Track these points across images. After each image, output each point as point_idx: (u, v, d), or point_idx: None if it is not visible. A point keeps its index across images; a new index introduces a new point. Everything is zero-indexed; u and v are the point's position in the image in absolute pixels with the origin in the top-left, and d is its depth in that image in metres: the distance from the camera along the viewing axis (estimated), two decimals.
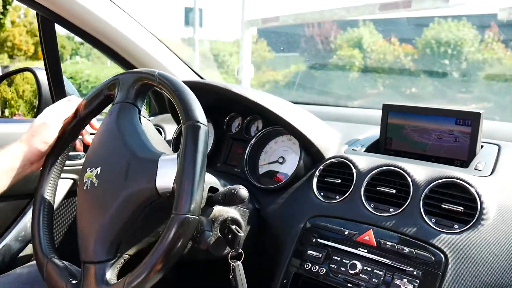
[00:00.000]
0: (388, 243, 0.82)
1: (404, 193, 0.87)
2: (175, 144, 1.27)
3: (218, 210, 0.86)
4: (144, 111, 0.81)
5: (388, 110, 1.04)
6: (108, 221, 0.71)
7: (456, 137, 0.96)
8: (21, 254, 1.16)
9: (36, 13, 1.18)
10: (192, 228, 0.65)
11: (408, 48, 8.75)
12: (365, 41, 9.19)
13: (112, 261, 0.71)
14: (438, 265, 0.77)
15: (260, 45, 11.21)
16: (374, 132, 1.11)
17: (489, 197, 0.81)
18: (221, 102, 1.20)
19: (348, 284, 0.83)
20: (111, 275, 0.70)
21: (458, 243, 0.78)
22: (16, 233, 1.14)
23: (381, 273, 0.80)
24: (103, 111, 0.89)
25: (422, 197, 0.85)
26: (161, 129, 1.40)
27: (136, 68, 1.31)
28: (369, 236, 0.85)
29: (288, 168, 1.08)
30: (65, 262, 0.79)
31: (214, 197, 0.82)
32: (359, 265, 0.83)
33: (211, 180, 0.86)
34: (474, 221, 0.79)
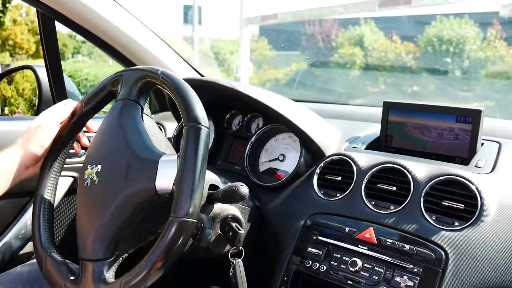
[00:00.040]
0: (388, 240, 0.82)
1: (404, 190, 0.87)
2: (175, 142, 1.27)
3: (219, 208, 0.86)
4: (146, 109, 0.81)
5: (388, 107, 1.04)
6: (107, 220, 0.71)
7: (457, 134, 0.96)
8: (21, 252, 1.16)
9: (37, 10, 1.19)
10: (190, 231, 0.65)
11: (410, 46, 8.72)
12: (367, 39, 9.17)
13: (110, 260, 0.71)
14: (439, 262, 0.77)
15: (261, 43, 11.20)
16: (374, 130, 1.11)
17: (489, 195, 0.81)
18: (221, 100, 1.20)
19: (349, 282, 0.83)
20: (108, 273, 0.71)
21: (459, 240, 0.78)
22: (16, 231, 1.14)
23: (382, 270, 0.81)
24: (102, 111, 0.89)
25: (423, 194, 0.85)
26: (161, 127, 1.40)
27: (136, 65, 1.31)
28: (369, 233, 0.85)
29: (288, 165, 1.07)
30: (64, 258, 0.79)
31: (214, 195, 0.82)
32: (359, 262, 0.83)
33: (211, 177, 0.86)
34: (474, 218, 0.79)
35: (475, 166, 0.89)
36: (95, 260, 0.71)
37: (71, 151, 0.91)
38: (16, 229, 1.14)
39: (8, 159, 0.82)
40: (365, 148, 1.04)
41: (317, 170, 0.99)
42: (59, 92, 1.27)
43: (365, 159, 0.95)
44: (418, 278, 0.77)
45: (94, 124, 1.18)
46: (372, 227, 0.85)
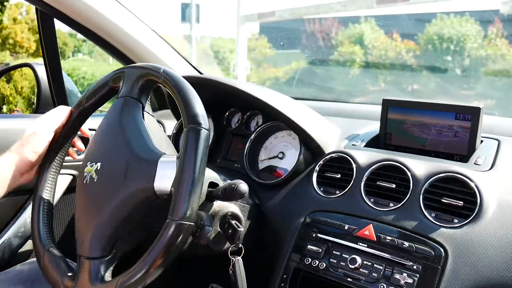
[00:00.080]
0: (388, 237, 0.82)
1: (404, 187, 0.87)
2: (174, 140, 1.27)
3: (218, 205, 0.86)
4: (148, 107, 0.80)
5: (388, 105, 1.04)
6: (105, 219, 0.72)
7: (456, 132, 0.96)
8: (20, 250, 1.16)
9: (36, 8, 1.18)
10: (187, 234, 0.65)
11: (410, 44, 8.70)
12: (367, 37, 9.15)
13: (108, 258, 0.72)
14: (438, 259, 0.77)
15: (260, 42, 11.18)
16: (374, 127, 1.11)
17: (488, 192, 0.81)
18: (221, 97, 1.20)
19: (348, 279, 0.83)
20: (105, 272, 0.71)
21: (458, 237, 0.78)
22: (15, 229, 1.14)
23: (381, 267, 0.81)
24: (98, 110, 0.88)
25: (422, 191, 0.85)
26: (160, 125, 1.40)
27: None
28: (369, 230, 0.85)
29: (288, 163, 1.08)
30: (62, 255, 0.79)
31: (214, 192, 0.82)
32: (359, 259, 0.83)
33: (211, 175, 0.86)
34: (473, 215, 0.79)
35: (474, 163, 0.89)
36: (92, 258, 0.71)
37: (66, 157, 0.90)
38: (15, 227, 1.14)
39: (3, 165, 0.81)
40: (365, 146, 1.04)
41: (317, 168, 0.99)
42: (58, 90, 1.27)
43: (364, 156, 0.95)
44: (418, 275, 0.77)
45: (94, 122, 1.18)
46: (371, 224, 0.85)
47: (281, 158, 1.09)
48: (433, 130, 0.99)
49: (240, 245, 0.84)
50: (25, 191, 1.14)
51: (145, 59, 1.32)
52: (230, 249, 0.85)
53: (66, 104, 1.29)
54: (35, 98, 1.38)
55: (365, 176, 0.92)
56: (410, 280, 0.77)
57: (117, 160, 0.74)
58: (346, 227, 0.87)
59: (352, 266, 0.83)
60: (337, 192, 0.94)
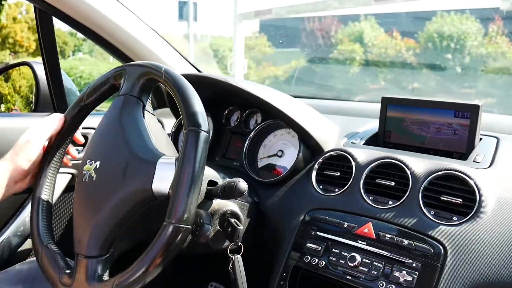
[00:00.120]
0: (387, 235, 0.82)
1: (403, 185, 0.87)
2: (173, 138, 1.27)
3: (218, 204, 0.86)
4: (148, 106, 0.80)
5: (387, 103, 1.04)
6: (103, 218, 0.72)
7: (455, 129, 0.96)
8: (20, 249, 1.16)
9: (34, 6, 1.18)
10: (183, 237, 0.65)
11: (410, 42, 8.69)
12: (366, 35, 9.14)
13: (105, 257, 0.72)
14: (437, 257, 0.77)
15: (260, 40, 11.16)
16: (373, 125, 1.11)
17: (487, 189, 0.81)
18: (220, 95, 1.20)
19: (348, 277, 0.83)
20: (102, 271, 0.71)
21: (457, 235, 0.78)
22: (15, 228, 1.14)
23: (380, 265, 0.81)
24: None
25: (421, 189, 0.85)
26: (160, 124, 1.40)
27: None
28: (368, 228, 0.85)
29: (287, 161, 1.07)
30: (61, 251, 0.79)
31: (213, 191, 0.82)
32: (358, 257, 0.83)
33: (210, 173, 0.86)
34: (473, 213, 0.79)
35: (474, 161, 0.89)
36: (90, 256, 0.71)
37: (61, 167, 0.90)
38: (14, 226, 1.14)
39: None
40: (364, 144, 1.04)
41: (316, 166, 0.99)
42: (56, 89, 1.27)
43: (363, 154, 0.95)
44: (417, 273, 0.77)
45: (94, 121, 1.18)
46: (370, 222, 0.85)
47: (280, 156, 1.09)
48: (432, 128, 0.99)
49: (240, 243, 0.84)
50: (24, 190, 1.14)
51: (144, 57, 1.32)
52: (229, 247, 0.85)
53: (65, 102, 1.29)
54: (34, 97, 1.37)
55: (364, 174, 0.92)
56: (409, 278, 0.77)
57: (116, 160, 0.73)
58: (345, 225, 0.87)
59: (352, 264, 0.83)
60: (337, 190, 0.94)
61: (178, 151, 0.86)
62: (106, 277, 0.71)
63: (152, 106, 1.52)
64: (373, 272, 0.81)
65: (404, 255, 0.79)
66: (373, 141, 1.06)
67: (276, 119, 1.09)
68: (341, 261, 0.84)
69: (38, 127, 0.84)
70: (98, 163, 0.75)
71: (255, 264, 0.91)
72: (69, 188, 1.22)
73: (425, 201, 0.84)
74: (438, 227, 0.79)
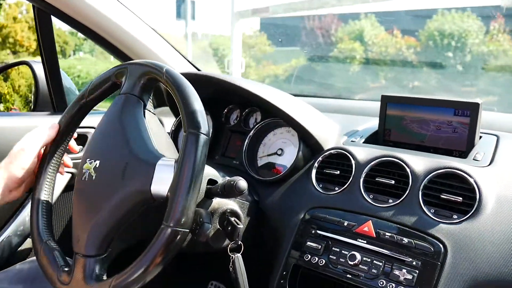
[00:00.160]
0: (387, 233, 0.82)
1: (403, 183, 0.87)
2: (173, 136, 1.27)
3: (217, 202, 0.86)
4: (150, 105, 0.80)
5: (386, 101, 1.04)
6: (102, 218, 0.72)
7: (455, 127, 0.96)
8: (20, 248, 1.16)
9: (33, 5, 1.18)
10: (180, 241, 0.65)
11: (411, 41, 8.67)
12: (367, 33, 9.11)
13: (103, 256, 0.72)
14: (437, 255, 0.77)
15: (260, 39, 11.14)
16: (372, 124, 1.11)
17: (487, 187, 0.81)
18: (219, 94, 1.20)
19: (348, 275, 0.83)
20: (100, 270, 0.71)
21: (457, 233, 0.77)
22: (15, 228, 1.14)
23: (381, 263, 0.80)
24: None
25: (421, 187, 0.85)
26: (161, 124, 1.39)
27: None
28: (368, 227, 0.85)
29: (287, 160, 1.07)
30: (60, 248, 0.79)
31: (213, 189, 0.81)
32: (358, 256, 0.83)
33: (210, 172, 0.86)
34: (473, 211, 0.79)
35: (473, 159, 0.89)
36: (88, 256, 0.71)
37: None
38: (14, 225, 1.14)
39: None
40: (364, 142, 1.03)
41: (316, 164, 0.99)
42: (56, 88, 1.27)
43: (363, 153, 0.95)
44: (417, 271, 0.77)
45: (93, 120, 1.18)
46: (370, 220, 0.85)
47: (280, 155, 1.09)
48: (432, 126, 0.98)
49: (240, 242, 0.84)
50: None
51: (143, 56, 1.32)
52: (229, 246, 0.85)
53: (64, 102, 1.29)
54: (33, 96, 1.37)
55: (364, 172, 0.92)
56: (409, 276, 0.77)
57: (115, 159, 0.73)
58: (345, 224, 0.87)
59: (352, 263, 0.83)
60: (336, 188, 0.94)
61: (178, 151, 0.86)
62: (104, 276, 0.71)
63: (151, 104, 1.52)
64: (373, 270, 0.81)
65: (404, 253, 0.79)
66: (373, 139, 1.05)
67: (276, 118, 1.09)
68: (341, 259, 0.84)
69: (32, 136, 0.84)
70: (97, 162, 0.75)
71: (255, 262, 0.91)
72: (69, 187, 1.22)
73: (425, 200, 0.84)
74: (438, 225, 0.79)
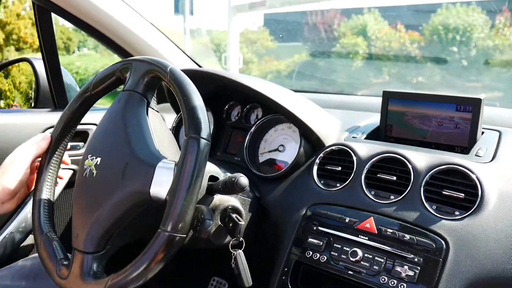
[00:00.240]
0: (388, 230, 0.82)
1: (404, 180, 0.87)
2: (174, 133, 1.26)
3: (219, 199, 0.86)
4: (153, 103, 0.79)
5: (388, 97, 1.03)
6: (101, 215, 0.72)
7: (457, 123, 0.95)
8: (22, 245, 1.16)
9: (32, 2, 1.18)
10: (177, 245, 0.65)
11: (415, 35, 8.60)
12: (370, 28, 9.04)
13: (101, 253, 0.72)
14: (439, 252, 0.76)
15: (262, 34, 11.09)
16: (374, 120, 1.11)
17: (490, 183, 0.80)
18: (220, 90, 1.19)
19: (349, 272, 0.83)
20: (98, 267, 0.72)
21: (459, 230, 0.77)
22: (16, 224, 1.14)
23: (382, 260, 0.80)
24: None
25: (423, 183, 0.84)
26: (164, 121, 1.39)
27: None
28: (369, 223, 0.84)
29: (288, 156, 1.07)
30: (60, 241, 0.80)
31: (214, 186, 0.81)
32: (360, 252, 0.82)
33: (211, 168, 0.86)
34: (475, 207, 0.78)
35: (475, 155, 0.88)
36: (86, 252, 0.72)
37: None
38: (16, 222, 1.15)
39: None
40: (365, 138, 1.03)
41: (317, 161, 0.99)
42: (56, 85, 1.27)
43: (365, 149, 0.95)
44: (419, 268, 0.77)
45: (94, 116, 1.18)
46: (372, 217, 0.85)
47: (281, 151, 1.09)
48: (434, 122, 0.98)
49: (241, 238, 0.84)
50: None
51: (144, 52, 1.32)
52: (231, 242, 0.85)
53: (65, 98, 1.29)
54: (34, 93, 1.37)
55: (365, 168, 0.91)
56: (411, 273, 0.77)
57: (116, 158, 0.73)
58: (347, 220, 0.87)
59: (353, 259, 0.82)
60: (338, 184, 0.93)
61: (180, 148, 0.86)
62: (101, 274, 0.71)
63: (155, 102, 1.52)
64: (374, 267, 0.80)
65: (406, 250, 0.79)
66: (374, 135, 1.05)
67: (277, 114, 1.08)
68: (342, 256, 0.84)
69: (24, 147, 0.84)
70: (99, 159, 0.75)
71: (256, 259, 0.91)
72: (71, 183, 1.22)
73: (427, 196, 0.83)
74: (440, 221, 0.79)
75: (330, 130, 1.05)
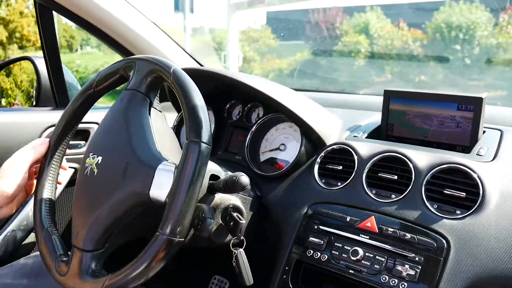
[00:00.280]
0: (390, 229, 0.82)
1: (405, 179, 0.87)
2: (175, 131, 1.26)
3: (220, 198, 0.86)
4: (156, 103, 0.79)
5: (389, 96, 1.03)
6: (101, 214, 0.72)
7: (458, 122, 0.95)
8: (23, 243, 1.17)
9: (34, 0, 1.18)
10: (174, 249, 0.66)
11: (417, 33, 8.57)
12: (372, 26, 9.01)
13: (100, 252, 0.73)
14: (440, 251, 0.76)
15: (265, 33, 11.07)
16: (375, 119, 1.10)
17: (491, 183, 0.80)
18: (221, 89, 1.19)
19: (350, 271, 0.83)
20: (96, 265, 0.72)
21: (460, 229, 0.77)
22: (18, 222, 1.15)
23: (383, 259, 0.80)
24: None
25: (424, 183, 0.84)
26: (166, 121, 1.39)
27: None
28: (370, 222, 0.84)
29: (289, 155, 1.07)
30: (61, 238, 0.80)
31: (215, 185, 0.81)
32: (361, 251, 0.82)
33: (212, 167, 0.86)
34: (476, 206, 0.78)
35: (477, 154, 0.88)
36: (85, 250, 0.72)
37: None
38: (18, 220, 1.15)
39: None
40: (366, 137, 1.03)
41: (318, 160, 0.99)
42: (58, 83, 1.27)
43: (366, 148, 0.95)
44: (420, 267, 0.77)
45: (95, 115, 1.18)
46: (373, 216, 0.85)
47: (282, 150, 1.09)
48: (435, 121, 0.98)
49: (242, 237, 0.84)
50: None
51: (145, 51, 1.32)
52: (232, 241, 0.85)
53: (66, 97, 1.30)
54: (35, 92, 1.37)
55: (366, 167, 0.91)
56: (412, 272, 0.77)
57: (117, 158, 0.73)
58: (348, 219, 0.87)
59: (354, 258, 0.82)
60: (339, 183, 0.93)
61: (182, 147, 0.86)
62: (99, 272, 0.72)
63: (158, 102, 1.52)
64: (375, 266, 0.80)
65: (407, 249, 0.79)
66: (375, 134, 1.05)
67: (278, 113, 1.08)
68: (343, 255, 0.84)
69: (22, 152, 0.84)
70: (100, 158, 0.75)
71: (257, 258, 0.91)
72: (72, 182, 1.22)
73: (428, 195, 0.83)
74: (441, 220, 0.79)
75: (331, 129, 1.05)
